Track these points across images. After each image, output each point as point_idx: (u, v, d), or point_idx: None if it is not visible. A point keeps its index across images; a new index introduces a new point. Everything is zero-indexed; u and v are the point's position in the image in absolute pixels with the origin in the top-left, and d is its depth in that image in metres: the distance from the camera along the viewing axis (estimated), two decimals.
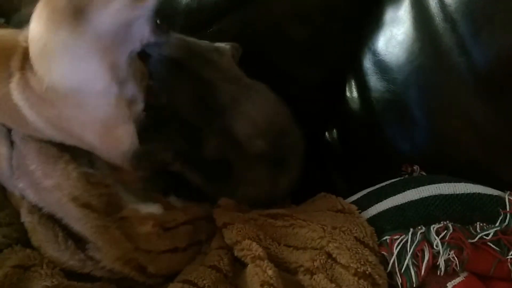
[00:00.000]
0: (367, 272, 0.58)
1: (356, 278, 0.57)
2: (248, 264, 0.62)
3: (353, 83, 0.95)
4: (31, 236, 0.68)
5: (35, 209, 0.68)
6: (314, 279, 0.59)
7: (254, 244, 0.64)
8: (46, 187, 0.67)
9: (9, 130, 0.73)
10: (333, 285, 0.57)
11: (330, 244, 0.62)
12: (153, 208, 0.74)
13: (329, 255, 0.61)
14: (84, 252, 0.65)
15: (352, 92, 0.95)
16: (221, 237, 0.71)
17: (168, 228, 0.70)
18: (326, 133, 1.08)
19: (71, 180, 0.66)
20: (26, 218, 0.69)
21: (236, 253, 0.66)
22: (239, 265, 0.65)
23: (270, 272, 0.58)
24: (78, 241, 0.66)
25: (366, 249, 0.61)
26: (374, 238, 0.63)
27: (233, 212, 0.73)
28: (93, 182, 0.69)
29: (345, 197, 0.76)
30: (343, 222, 0.65)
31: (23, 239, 0.69)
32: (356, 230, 0.64)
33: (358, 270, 0.58)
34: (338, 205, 0.70)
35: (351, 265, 0.59)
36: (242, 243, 0.65)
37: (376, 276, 0.58)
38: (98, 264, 0.64)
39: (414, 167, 0.78)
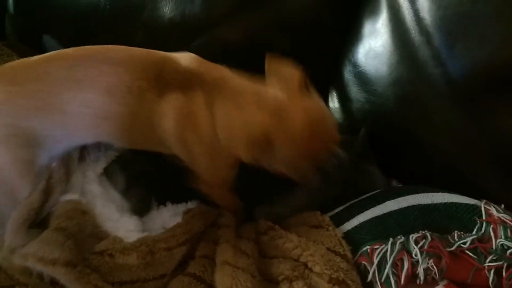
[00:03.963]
0: (340, 279, 0.59)
1: (330, 285, 0.59)
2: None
3: (334, 94, 0.97)
4: (8, 273, 0.63)
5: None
6: (293, 286, 0.60)
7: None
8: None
9: None
10: None
11: (304, 253, 0.63)
12: (135, 222, 0.74)
13: (305, 266, 0.63)
14: None
15: (334, 103, 0.97)
16: (206, 245, 0.71)
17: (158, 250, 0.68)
18: None
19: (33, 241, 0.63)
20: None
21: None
22: None
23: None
24: None
25: (338, 256, 0.63)
26: (345, 246, 0.65)
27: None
28: (69, 208, 0.67)
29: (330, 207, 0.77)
30: (316, 236, 0.67)
31: None
32: (327, 241, 0.65)
33: (332, 276, 0.59)
34: (314, 220, 0.71)
35: (325, 271, 0.60)
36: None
37: (349, 282, 0.59)
38: None
39: (393, 182, 0.80)
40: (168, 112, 0.66)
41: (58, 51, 0.70)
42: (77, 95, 0.65)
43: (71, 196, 0.72)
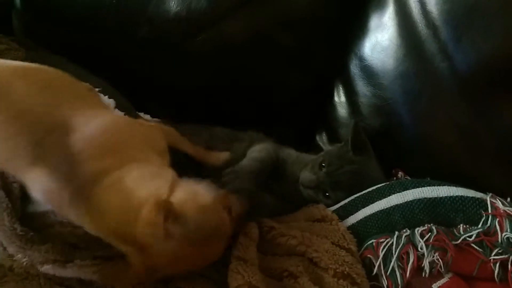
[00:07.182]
0: (345, 272, 0.60)
1: (335, 279, 0.59)
2: None
3: (340, 88, 0.97)
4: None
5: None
6: (298, 282, 0.60)
7: None
8: None
9: None
10: (317, 287, 0.59)
11: (309, 249, 0.63)
12: None
13: (310, 261, 0.63)
14: None
15: (340, 97, 0.97)
16: None
17: None
18: (317, 136, 1.09)
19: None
20: (9, 248, 0.61)
21: None
22: (226, 270, 0.65)
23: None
24: None
25: (343, 250, 0.63)
26: (349, 239, 0.65)
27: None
28: None
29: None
30: (319, 230, 0.67)
31: None
32: (330, 235, 0.65)
33: (337, 270, 0.60)
34: (317, 214, 0.71)
35: (330, 266, 0.60)
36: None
37: (354, 275, 0.60)
38: None
39: (399, 174, 0.80)
40: None
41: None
42: None
43: None
